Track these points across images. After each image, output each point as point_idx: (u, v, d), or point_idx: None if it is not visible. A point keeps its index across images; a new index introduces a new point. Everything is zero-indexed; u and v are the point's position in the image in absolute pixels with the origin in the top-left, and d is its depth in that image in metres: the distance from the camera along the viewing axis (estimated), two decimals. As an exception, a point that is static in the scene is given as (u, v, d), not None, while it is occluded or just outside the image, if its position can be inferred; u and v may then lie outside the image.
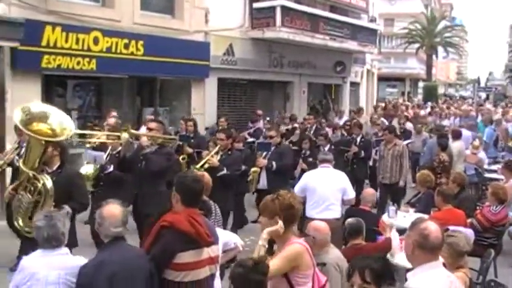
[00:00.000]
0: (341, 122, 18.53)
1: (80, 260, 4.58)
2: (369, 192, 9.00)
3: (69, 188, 6.56)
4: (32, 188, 6.35)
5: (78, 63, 13.40)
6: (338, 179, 8.46)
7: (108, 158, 9.09)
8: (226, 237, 5.51)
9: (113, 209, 4.53)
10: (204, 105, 17.31)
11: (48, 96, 13.65)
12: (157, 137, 8.57)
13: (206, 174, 6.67)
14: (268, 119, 18.40)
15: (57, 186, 6.36)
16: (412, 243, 3.75)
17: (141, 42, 14.78)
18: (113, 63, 14.19)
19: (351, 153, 12.96)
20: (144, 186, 8.30)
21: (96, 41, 13.76)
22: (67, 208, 6.30)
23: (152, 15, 15.62)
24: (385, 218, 8.65)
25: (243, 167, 10.16)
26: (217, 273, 5.07)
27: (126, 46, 14.50)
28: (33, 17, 12.34)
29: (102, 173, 9.03)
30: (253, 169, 10.60)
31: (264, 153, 10.45)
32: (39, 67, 12.66)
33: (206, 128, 15.94)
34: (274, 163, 10.17)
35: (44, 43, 12.63)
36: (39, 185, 6.29)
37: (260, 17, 18.77)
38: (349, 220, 7.01)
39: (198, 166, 8.98)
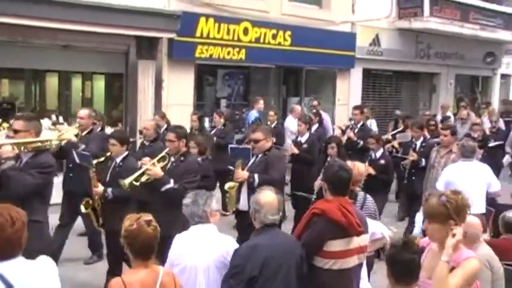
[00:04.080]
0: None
1: (228, 240, 4.81)
2: None
3: None
4: None
5: (229, 53, 13.94)
6: (481, 173, 8.22)
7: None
8: (374, 227, 5.56)
9: (269, 198, 4.63)
10: (348, 95, 17.29)
11: (199, 85, 14.39)
12: (24, 143, 5.83)
13: (356, 164, 6.59)
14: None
15: None
16: None
17: (288, 32, 15.04)
18: (261, 53, 14.57)
19: (408, 162, 10.22)
20: None
21: (245, 31, 14.22)
22: None
23: (300, 5, 15.83)
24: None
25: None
26: (364, 262, 5.14)
27: (274, 36, 14.82)
28: (189, 9, 13.01)
29: None
30: (229, 184, 7.70)
31: (251, 163, 7.61)
32: (193, 57, 13.34)
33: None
34: (256, 177, 7.21)
35: (198, 34, 13.26)
36: None
37: (407, 6, 18.34)
38: (509, 214, 6.77)
39: (127, 181, 6.69)
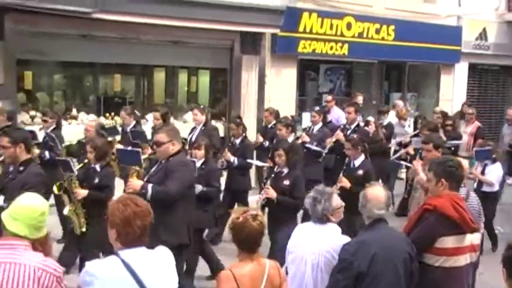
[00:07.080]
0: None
1: (342, 238, 4.80)
2: None
3: None
4: None
5: (331, 48, 13.94)
6: None
7: None
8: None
9: (377, 192, 4.61)
10: (452, 91, 16.90)
11: (301, 80, 14.47)
12: None
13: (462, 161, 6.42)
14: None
15: None
16: None
17: (392, 27, 14.87)
18: (364, 48, 14.48)
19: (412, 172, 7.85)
20: None
21: (348, 26, 14.16)
22: None
23: (404, -1, 15.63)
24: None
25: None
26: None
27: (377, 31, 14.69)
28: (293, 4, 13.13)
29: None
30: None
31: (152, 170, 6.36)
32: (295, 52, 13.43)
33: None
34: (150, 188, 5.80)
35: (301, 29, 13.34)
36: None
37: (518, -2, 17.74)
38: None
39: None
